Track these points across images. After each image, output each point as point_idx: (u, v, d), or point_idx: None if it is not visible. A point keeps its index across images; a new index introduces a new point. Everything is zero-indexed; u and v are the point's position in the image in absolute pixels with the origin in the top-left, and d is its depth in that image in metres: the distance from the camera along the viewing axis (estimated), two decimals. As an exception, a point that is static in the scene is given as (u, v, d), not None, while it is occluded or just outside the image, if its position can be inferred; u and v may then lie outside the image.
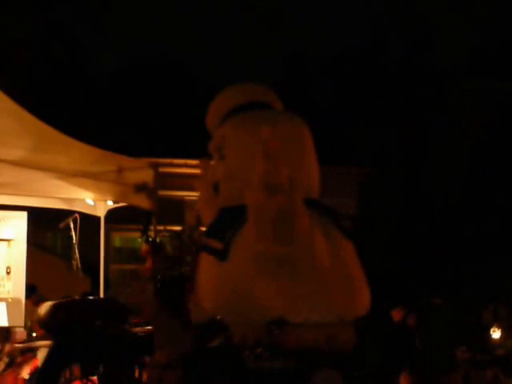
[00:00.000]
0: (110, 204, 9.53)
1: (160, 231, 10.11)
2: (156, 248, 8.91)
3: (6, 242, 8.70)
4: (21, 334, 8.32)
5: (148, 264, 8.84)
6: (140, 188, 8.71)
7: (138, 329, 6.68)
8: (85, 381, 8.83)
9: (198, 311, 4.74)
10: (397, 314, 11.22)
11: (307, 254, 4.08)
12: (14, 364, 7.68)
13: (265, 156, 3.92)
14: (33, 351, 7.51)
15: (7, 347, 7.86)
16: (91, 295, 9.34)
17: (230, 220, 4.61)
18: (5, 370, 7.64)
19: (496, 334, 11.37)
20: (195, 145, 15.78)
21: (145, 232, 8.81)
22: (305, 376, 4.04)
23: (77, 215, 9.13)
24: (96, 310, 6.83)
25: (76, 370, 9.46)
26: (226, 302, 4.40)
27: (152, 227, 8.93)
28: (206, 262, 4.81)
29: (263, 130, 4.01)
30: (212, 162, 5.28)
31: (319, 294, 4.18)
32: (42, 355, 7.04)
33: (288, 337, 4.05)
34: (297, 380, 4.05)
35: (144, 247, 8.86)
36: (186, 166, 15.06)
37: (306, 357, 4.00)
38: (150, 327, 6.40)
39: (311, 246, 4.09)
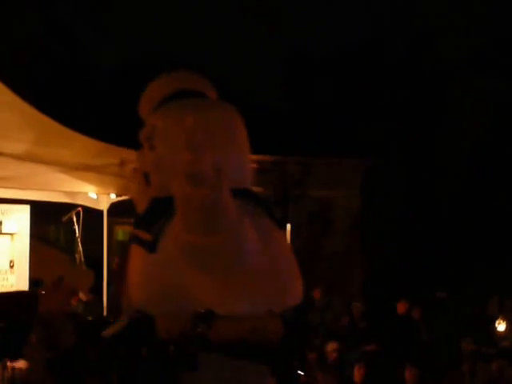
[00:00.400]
0: (113, 197, 9.50)
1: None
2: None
3: (9, 236, 8.67)
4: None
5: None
6: (143, 181, 8.66)
7: None
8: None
9: (128, 304, 4.67)
10: (401, 307, 11.20)
11: (236, 245, 4.02)
12: None
13: (188, 146, 3.85)
14: None
15: None
16: (95, 289, 9.36)
17: (159, 211, 4.55)
18: None
19: (501, 326, 11.34)
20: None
21: (148, 225, 8.77)
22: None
23: (80, 209, 9.12)
24: (14, 303, 6.76)
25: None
26: (154, 294, 4.33)
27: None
28: (135, 253, 4.74)
29: (187, 119, 3.95)
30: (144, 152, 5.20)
31: (247, 286, 4.11)
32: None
33: (214, 329, 3.98)
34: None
35: (147, 240, 8.82)
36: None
37: (231, 349, 3.93)
38: None
39: (240, 237, 4.03)
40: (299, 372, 3.70)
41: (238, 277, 4.04)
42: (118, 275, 4.92)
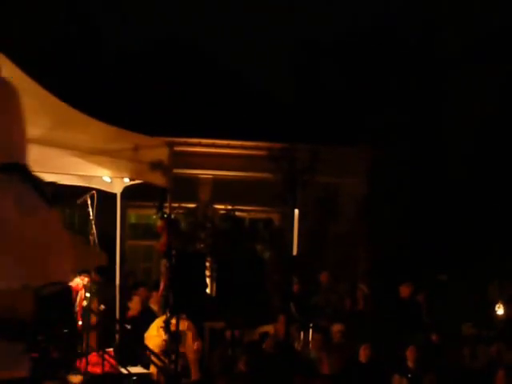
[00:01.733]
0: (127, 181, 9.74)
1: (175, 208, 10.35)
2: (171, 224, 9.16)
3: (25, 218, 8.84)
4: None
5: (163, 240, 9.09)
6: (155, 166, 8.87)
7: None
8: (101, 352, 9.12)
9: None
10: (404, 290, 11.44)
11: None
12: None
13: None
14: None
15: None
16: (107, 269, 9.65)
17: None
18: None
19: (501, 310, 11.60)
20: (209, 125, 16.05)
21: (160, 208, 9.04)
22: None
23: (94, 192, 9.35)
24: None
25: (92, 341, 9.74)
26: None
27: (167, 204, 9.14)
28: None
29: None
30: None
31: (3, 260, 4.19)
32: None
33: None
34: None
35: (159, 223, 9.11)
36: (200, 145, 15.37)
37: None
38: None
39: None
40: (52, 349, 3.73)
41: None
42: None
